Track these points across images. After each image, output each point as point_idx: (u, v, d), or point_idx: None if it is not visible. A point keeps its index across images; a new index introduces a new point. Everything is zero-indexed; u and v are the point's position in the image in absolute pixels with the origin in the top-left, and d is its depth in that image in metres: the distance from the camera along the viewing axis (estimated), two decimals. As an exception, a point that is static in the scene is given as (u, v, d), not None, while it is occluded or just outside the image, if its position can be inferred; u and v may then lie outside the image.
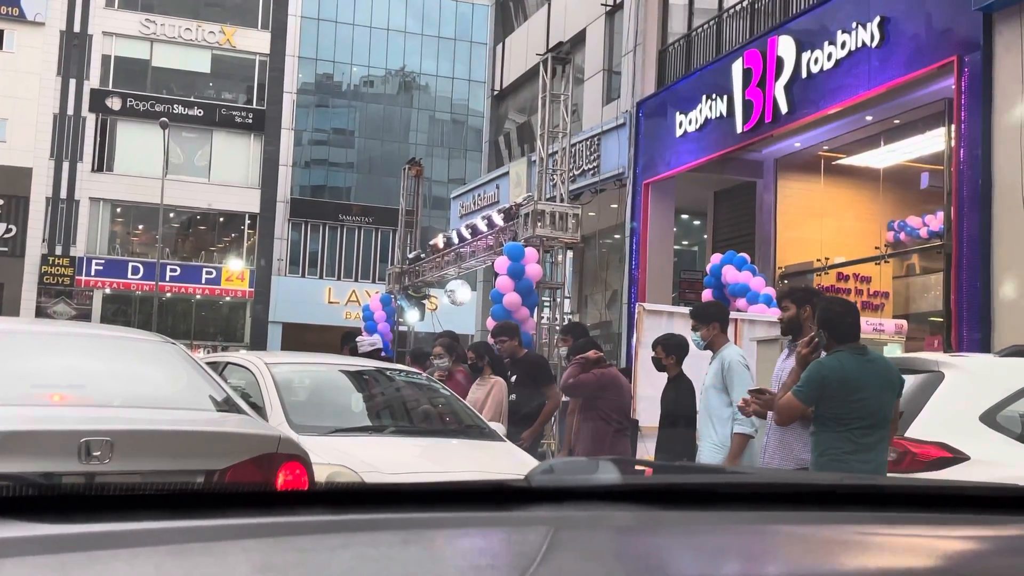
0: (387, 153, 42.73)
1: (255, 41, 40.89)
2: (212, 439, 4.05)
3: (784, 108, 13.43)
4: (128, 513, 1.15)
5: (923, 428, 5.04)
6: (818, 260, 16.40)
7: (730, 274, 12.64)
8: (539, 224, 12.09)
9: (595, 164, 18.18)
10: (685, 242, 21.37)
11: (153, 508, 1.18)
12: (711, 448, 6.42)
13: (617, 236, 19.94)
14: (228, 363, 6.87)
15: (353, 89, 43.66)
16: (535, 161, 20.25)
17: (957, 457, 4.84)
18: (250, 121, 40.63)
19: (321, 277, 41.04)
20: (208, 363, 6.95)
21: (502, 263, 12.00)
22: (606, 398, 8.13)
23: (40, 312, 34.72)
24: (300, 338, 36.34)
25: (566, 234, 12.42)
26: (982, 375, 5.33)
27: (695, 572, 1.13)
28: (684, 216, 20.18)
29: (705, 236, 20.43)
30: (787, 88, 13.38)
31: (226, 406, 4.43)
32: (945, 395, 5.14)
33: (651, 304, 10.93)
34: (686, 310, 11.81)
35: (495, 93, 25.49)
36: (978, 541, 1.34)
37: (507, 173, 21.61)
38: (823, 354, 4.89)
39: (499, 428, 6.61)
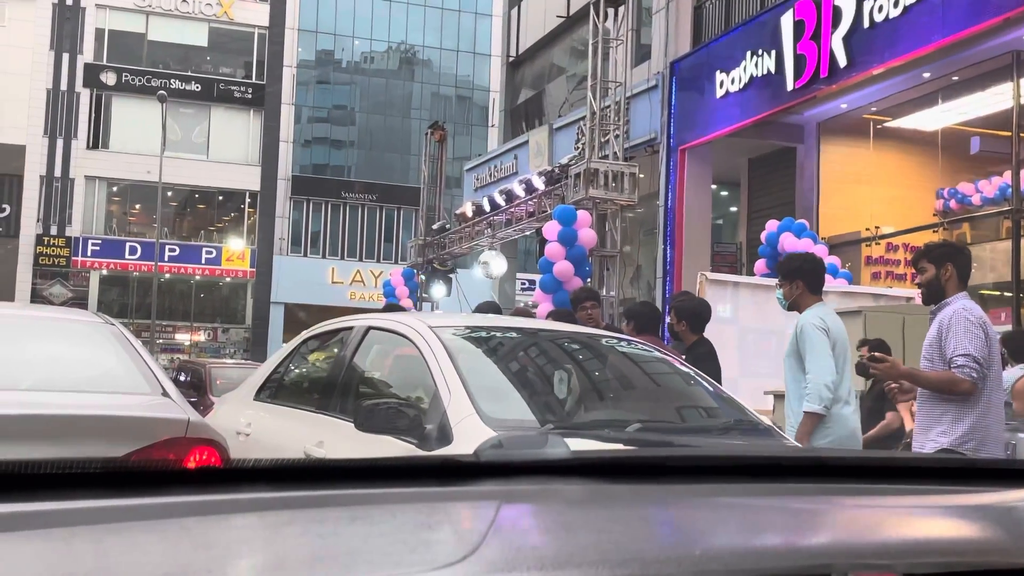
0: (389, 130, 41.61)
1: (253, 13, 39.65)
2: (112, 423, 3.81)
3: (843, 61, 12.38)
4: (63, 492, 1.11)
5: None
6: (866, 229, 15.42)
7: (788, 242, 11.62)
8: (592, 185, 10.95)
9: (624, 130, 17.10)
10: (711, 214, 20.33)
11: (90, 486, 1.13)
12: (794, 428, 5.41)
13: (640, 210, 18.93)
14: (370, 328, 4.89)
15: (354, 64, 42.46)
16: (556, 128, 19.29)
17: None
18: (249, 96, 39.44)
19: (324, 256, 39.93)
20: (337, 329, 5.32)
21: (552, 228, 10.91)
22: None
23: (36, 294, 33.64)
24: (303, 319, 35.33)
25: (622, 195, 11.30)
26: None
27: (644, 544, 1.12)
28: (712, 186, 19.17)
29: (733, 208, 19.45)
30: (846, 40, 12.31)
31: (151, 389, 4.18)
32: None
33: (714, 274, 9.90)
34: (752, 279, 10.82)
35: (511, 60, 24.35)
36: (919, 510, 1.38)
37: (525, 143, 20.61)
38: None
39: (767, 420, 4.67)
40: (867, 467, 1.61)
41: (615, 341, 5.11)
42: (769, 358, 9.33)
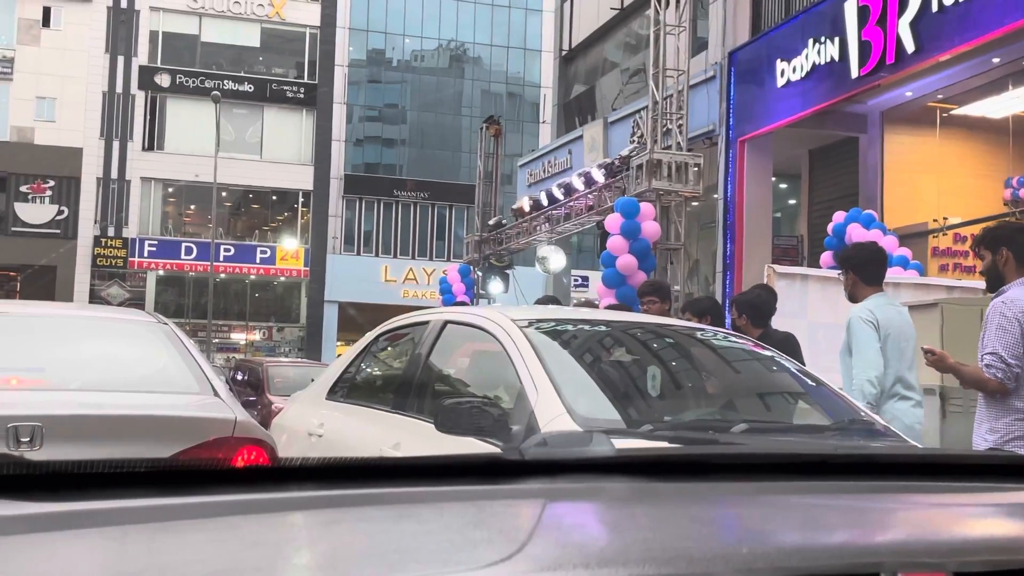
0: (440, 127, 41.55)
1: (305, 13, 39.80)
2: (160, 423, 3.83)
3: (910, 47, 11.99)
4: (116, 491, 1.12)
5: None
6: (933, 220, 15.01)
7: (856, 233, 11.27)
8: (655, 176, 10.68)
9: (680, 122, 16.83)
10: (771, 206, 19.94)
11: (141, 485, 1.15)
12: None
13: (696, 203, 18.64)
14: (447, 322, 4.58)
15: (405, 62, 42.45)
16: (611, 122, 19.04)
17: None
18: (302, 96, 39.61)
19: (377, 255, 39.98)
20: (411, 324, 4.99)
21: (614, 221, 10.68)
22: None
23: (94, 295, 34.06)
24: (356, 318, 35.45)
25: (686, 187, 11.03)
26: None
27: (690, 542, 1.10)
28: (771, 178, 18.82)
29: (792, 201, 19.09)
30: (913, 24, 11.93)
31: (200, 388, 4.20)
32: None
33: (782, 266, 9.61)
34: (821, 271, 10.50)
35: (564, 54, 24.12)
36: (969, 508, 1.35)
37: (579, 138, 20.38)
38: None
39: (881, 420, 4.23)
40: (916, 464, 1.58)
41: (710, 334, 4.67)
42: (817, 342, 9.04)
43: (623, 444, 3.28)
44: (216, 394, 4.19)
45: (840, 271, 5.71)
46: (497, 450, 3.47)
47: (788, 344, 6.23)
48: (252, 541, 1.05)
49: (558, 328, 4.43)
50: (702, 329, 4.87)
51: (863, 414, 4.05)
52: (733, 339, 4.66)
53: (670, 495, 1.32)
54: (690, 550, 1.04)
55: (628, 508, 1.26)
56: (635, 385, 4.21)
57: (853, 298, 5.53)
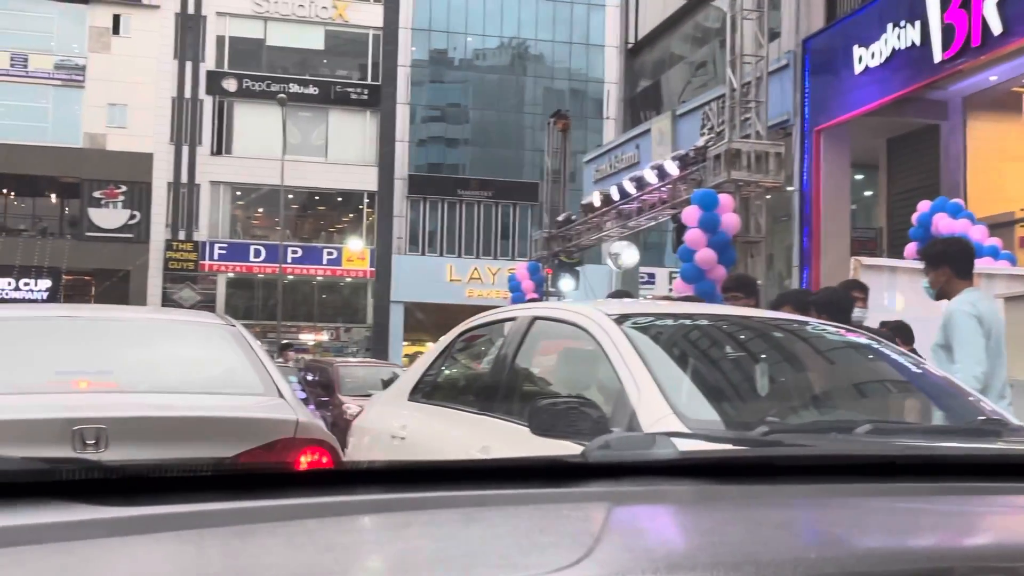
0: (503, 126, 41.41)
1: (367, 15, 39.94)
2: (220, 424, 3.84)
3: (997, 28, 11.52)
4: (192, 495, 1.14)
5: None
6: (1021, 209, 14.48)
7: (943, 223, 10.84)
8: (734, 167, 10.36)
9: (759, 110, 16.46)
10: (849, 198, 19.46)
11: (215, 489, 1.17)
12: None
13: (768, 196, 18.25)
14: (535, 318, 4.30)
15: (467, 61, 42.38)
16: (679, 115, 18.71)
17: None
18: (365, 97, 39.76)
19: (441, 255, 39.97)
20: (497, 320, 4.76)
21: (692, 213, 10.40)
22: None
23: (166, 298, 34.53)
24: (421, 319, 35.46)
25: (767, 177, 10.69)
26: None
27: (758, 546, 1.07)
28: (848, 168, 18.34)
29: (867, 192, 18.62)
30: (1000, 5, 11.47)
31: (265, 389, 4.20)
32: None
33: (869, 258, 9.27)
34: (911, 263, 10.10)
35: (629, 47, 23.81)
36: None
37: (647, 132, 20.08)
38: None
39: (1011, 418, 3.79)
40: (993, 464, 1.53)
41: (821, 328, 4.31)
42: (933, 348, 8.66)
43: (734, 448, 3.09)
44: (280, 395, 4.20)
45: (926, 267, 5.47)
46: None
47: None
48: (325, 544, 1.06)
49: (656, 323, 4.14)
50: (807, 322, 4.49)
51: (995, 413, 3.70)
52: (844, 333, 4.31)
53: (734, 498, 1.30)
54: (758, 554, 1.02)
55: (694, 512, 1.25)
56: (744, 384, 3.91)
57: (944, 294, 5.33)
